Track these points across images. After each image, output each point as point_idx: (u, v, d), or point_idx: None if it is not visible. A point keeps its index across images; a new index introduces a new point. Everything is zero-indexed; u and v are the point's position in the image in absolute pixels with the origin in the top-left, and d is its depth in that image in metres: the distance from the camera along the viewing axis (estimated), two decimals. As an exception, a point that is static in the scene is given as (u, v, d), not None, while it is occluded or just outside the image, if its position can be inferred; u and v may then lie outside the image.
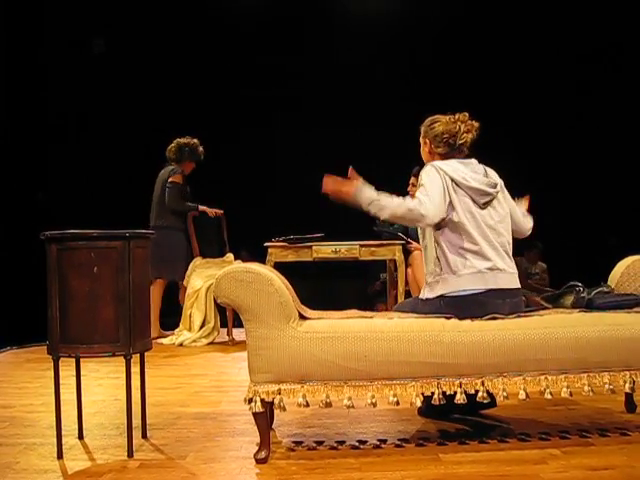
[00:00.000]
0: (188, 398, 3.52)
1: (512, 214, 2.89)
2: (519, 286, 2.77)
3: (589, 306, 2.78)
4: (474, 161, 2.86)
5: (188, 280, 5.59)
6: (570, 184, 7.50)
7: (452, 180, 2.71)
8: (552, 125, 7.51)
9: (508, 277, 2.71)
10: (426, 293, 2.78)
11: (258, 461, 2.47)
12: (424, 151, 2.95)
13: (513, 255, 2.82)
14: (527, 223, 3.02)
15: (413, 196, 5.45)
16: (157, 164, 5.85)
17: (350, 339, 2.50)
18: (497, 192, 2.77)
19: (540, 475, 2.29)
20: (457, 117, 2.86)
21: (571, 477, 2.27)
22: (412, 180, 5.35)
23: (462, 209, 2.70)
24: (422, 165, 5.28)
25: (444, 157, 2.86)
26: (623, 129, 7.28)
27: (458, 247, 2.69)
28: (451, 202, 2.70)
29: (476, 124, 2.87)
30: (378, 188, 2.74)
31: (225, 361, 4.80)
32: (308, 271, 6.16)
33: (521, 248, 6.76)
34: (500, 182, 2.84)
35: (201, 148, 5.78)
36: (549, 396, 2.55)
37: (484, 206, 2.74)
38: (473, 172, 2.77)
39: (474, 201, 2.72)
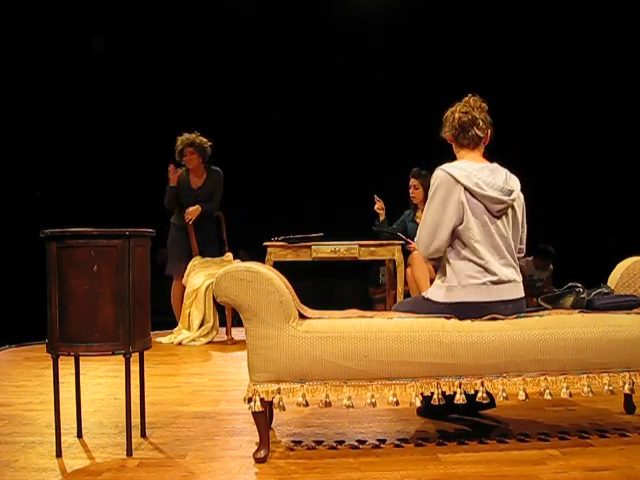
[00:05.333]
0: (187, 397, 3.52)
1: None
2: (523, 295, 2.76)
3: (589, 307, 2.79)
4: (495, 165, 2.79)
5: (187, 279, 5.60)
6: (570, 185, 7.51)
7: (465, 189, 2.65)
8: (551, 127, 7.51)
9: (512, 288, 2.70)
10: (429, 293, 2.77)
11: (257, 460, 2.47)
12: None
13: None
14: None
15: (415, 198, 5.45)
16: (157, 162, 5.85)
17: (350, 339, 2.50)
18: (513, 200, 2.71)
19: (539, 476, 2.29)
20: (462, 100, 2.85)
21: (570, 478, 2.27)
22: (415, 183, 5.35)
23: (475, 219, 2.66)
24: (420, 166, 5.29)
25: (457, 142, 2.82)
26: (623, 130, 7.29)
27: (466, 258, 2.67)
28: (463, 210, 2.66)
29: (478, 104, 2.80)
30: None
31: (224, 360, 4.80)
32: (307, 271, 6.16)
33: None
34: (519, 193, 2.77)
35: (180, 138, 5.71)
36: (549, 397, 2.55)
37: (498, 214, 2.69)
38: (488, 177, 2.69)
39: (488, 209, 2.67)
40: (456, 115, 2.80)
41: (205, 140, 5.71)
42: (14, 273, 6.10)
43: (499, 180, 2.71)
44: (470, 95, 2.84)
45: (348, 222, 5.79)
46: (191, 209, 5.58)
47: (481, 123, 2.79)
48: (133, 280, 2.50)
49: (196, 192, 5.70)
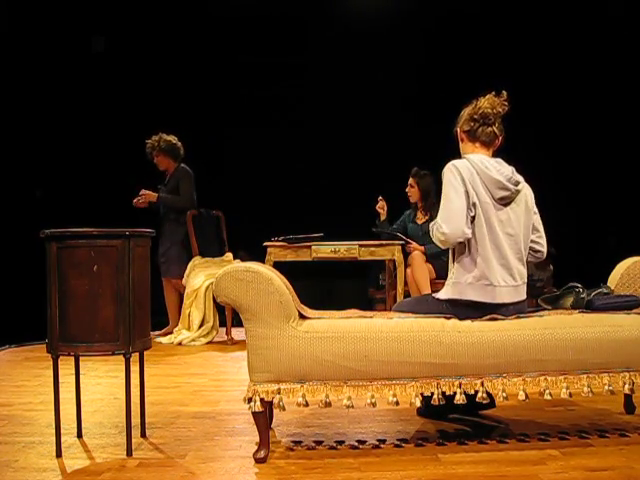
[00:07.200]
0: (187, 397, 3.52)
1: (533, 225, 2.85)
2: (524, 297, 2.75)
3: (589, 307, 2.79)
4: (500, 160, 2.79)
5: (187, 279, 5.60)
6: (570, 185, 7.50)
7: (476, 172, 2.64)
8: (552, 127, 7.51)
9: (513, 291, 2.70)
10: (439, 293, 2.78)
11: (257, 460, 2.47)
12: (461, 145, 2.88)
13: None
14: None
15: (411, 197, 5.47)
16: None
17: (350, 339, 2.50)
18: (518, 191, 2.71)
19: (539, 476, 2.29)
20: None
21: (570, 478, 2.27)
22: (410, 181, 5.37)
23: (483, 218, 2.65)
24: (421, 166, 5.30)
25: (472, 137, 2.79)
26: (623, 130, 7.28)
27: (471, 258, 2.66)
28: (475, 212, 2.65)
29: (501, 104, 2.78)
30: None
31: (224, 360, 4.80)
32: (307, 271, 6.16)
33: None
34: (525, 185, 2.78)
35: (147, 141, 5.77)
36: (549, 397, 2.55)
37: (500, 201, 2.67)
38: (492, 165, 2.69)
39: (492, 196, 2.65)
40: (481, 104, 2.78)
41: (169, 139, 5.71)
42: (14, 273, 6.09)
43: (507, 170, 2.72)
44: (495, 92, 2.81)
45: (348, 222, 5.78)
46: (147, 192, 5.62)
47: (499, 123, 2.80)
48: (133, 280, 2.50)
49: (162, 187, 5.74)
